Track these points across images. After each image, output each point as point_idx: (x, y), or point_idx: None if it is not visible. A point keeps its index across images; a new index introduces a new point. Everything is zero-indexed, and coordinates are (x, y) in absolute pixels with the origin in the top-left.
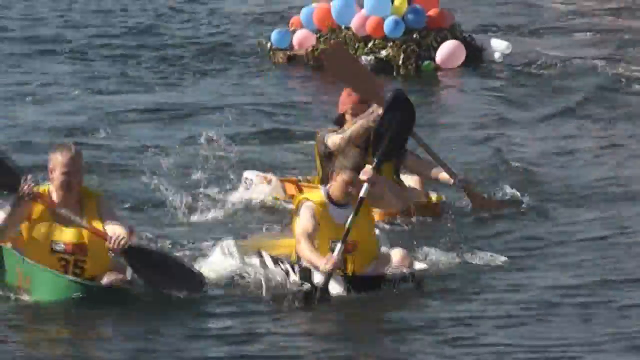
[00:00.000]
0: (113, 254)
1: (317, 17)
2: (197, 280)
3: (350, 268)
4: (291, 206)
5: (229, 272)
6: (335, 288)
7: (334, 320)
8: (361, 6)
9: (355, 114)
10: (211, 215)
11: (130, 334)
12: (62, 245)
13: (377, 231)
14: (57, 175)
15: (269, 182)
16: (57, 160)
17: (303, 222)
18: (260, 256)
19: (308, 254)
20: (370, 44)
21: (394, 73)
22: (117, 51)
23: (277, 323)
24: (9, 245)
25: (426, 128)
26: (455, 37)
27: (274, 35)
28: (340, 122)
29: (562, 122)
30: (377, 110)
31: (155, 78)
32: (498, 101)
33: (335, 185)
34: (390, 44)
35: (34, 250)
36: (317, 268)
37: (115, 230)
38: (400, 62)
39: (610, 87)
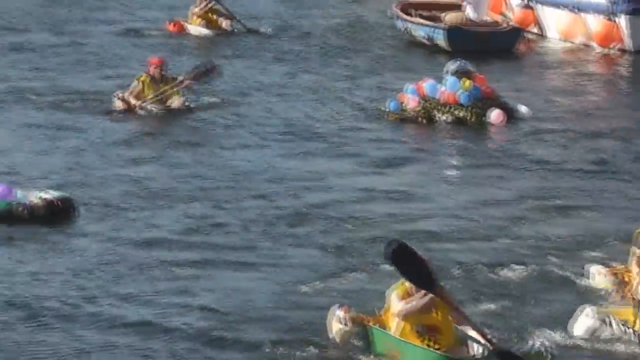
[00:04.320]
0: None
1: (416, 92)
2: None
3: None
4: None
5: (591, 331)
6: None
7: None
8: (443, 85)
9: None
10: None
11: None
12: (422, 326)
13: None
14: None
15: (600, 274)
16: None
17: None
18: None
19: None
20: (449, 108)
21: (466, 125)
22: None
23: None
24: (376, 325)
25: (486, 157)
26: (498, 103)
27: (390, 103)
28: None
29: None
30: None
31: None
32: (524, 138)
33: None
34: (462, 108)
35: (403, 329)
36: None
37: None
38: (470, 119)
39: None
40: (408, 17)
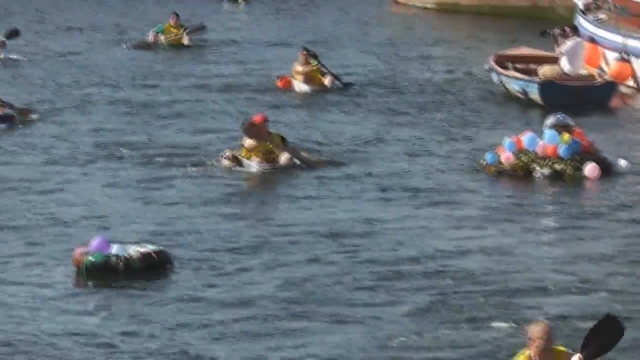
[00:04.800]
0: None
1: (515, 146)
2: None
3: None
4: None
5: None
6: None
7: None
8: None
9: None
10: None
11: None
12: None
13: None
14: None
15: None
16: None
17: None
18: None
19: None
20: (548, 161)
21: (564, 179)
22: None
23: None
24: None
25: (584, 211)
26: (597, 157)
27: (488, 156)
28: None
29: None
30: None
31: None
32: (623, 191)
33: None
34: (561, 161)
35: None
36: None
37: None
38: (569, 172)
39: None
40: (503, 71)
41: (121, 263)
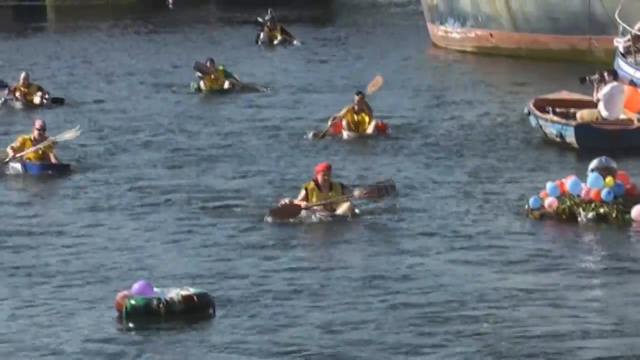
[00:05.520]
0: None
1: (558, 190)
2: None
3: None
4: None
5: None
6: None
7: None
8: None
9: None
10: None
11: None
12: None
13: None
14: None
15: None
16: None
17: None
18: None
19: None
20: (592, 205)
21: (609, 222)
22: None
23: None
24: None
25: (630, 255)
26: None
27: (532, 200)
28: None
29: None
30: None
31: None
32: None
33: None
34: (605, 204)
35: None
36: None
37: None
38: (613, 216)
39: None
40: (540, 114)
41: (162, 306)
